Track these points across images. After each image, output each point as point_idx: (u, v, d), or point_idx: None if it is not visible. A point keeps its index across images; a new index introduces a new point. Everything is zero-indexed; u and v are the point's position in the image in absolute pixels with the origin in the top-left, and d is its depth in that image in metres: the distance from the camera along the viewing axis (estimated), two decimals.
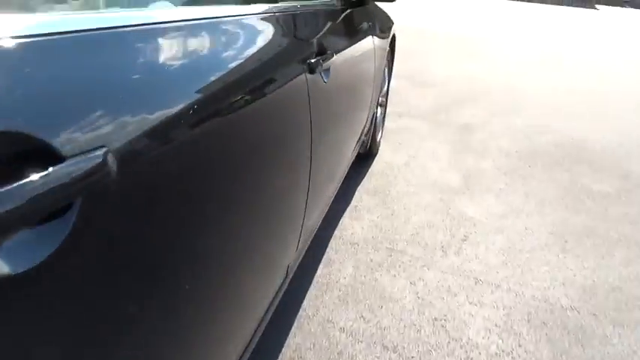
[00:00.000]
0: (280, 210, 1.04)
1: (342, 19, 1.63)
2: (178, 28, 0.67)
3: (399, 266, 1.82)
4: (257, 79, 0.85)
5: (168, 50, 0.63)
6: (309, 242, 1.40)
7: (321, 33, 1.34)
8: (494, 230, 2.14)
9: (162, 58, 0.60)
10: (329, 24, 1.49)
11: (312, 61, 1.08)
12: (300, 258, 1.31)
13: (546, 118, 3.77)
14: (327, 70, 1.23)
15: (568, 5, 14.40)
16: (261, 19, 0.96)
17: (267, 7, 1.00)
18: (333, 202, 1.97)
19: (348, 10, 1.72)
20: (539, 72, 5.44)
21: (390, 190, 2.43)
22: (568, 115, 3.89)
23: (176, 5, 0.85)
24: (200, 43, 0.72)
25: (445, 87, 4.41)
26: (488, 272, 1.83)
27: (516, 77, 5.03)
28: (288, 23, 1.09)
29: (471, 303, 1.64)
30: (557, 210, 2.38)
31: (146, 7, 0.76)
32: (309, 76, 1.06)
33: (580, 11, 13.92)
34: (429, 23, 8.52)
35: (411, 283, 1.73)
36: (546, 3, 13.98)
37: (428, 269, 1.82)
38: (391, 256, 1.88)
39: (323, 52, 1.22)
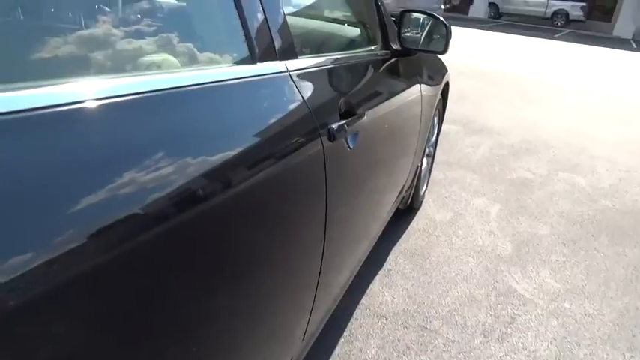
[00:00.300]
0: (282, 299, 0.86)
1: (383, 69, 1.47)
2: (176, 95, 0.60)
3: (431, 350, 1.58)
4: (260, 151, 0.70)
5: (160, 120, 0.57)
6: (321, 327, 1.21)
7: (353, 89, 1.18)
8: (547, 313, 1.85)
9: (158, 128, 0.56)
10: (366, 77, 1.33)
11: (334, 126, 0.92)
12: (308, 348, 1.12)
13: (614, 179, 3.40)
14: (356, 133, 1.06)
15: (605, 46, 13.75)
16: (277, 78, 0.82)
17: (285, 65, 0.85)
18: (363, 263, 1.78)
19: (393, 60, 1.55)
20: (604, 122, 5.03)
21: (430, 252, 2.19)
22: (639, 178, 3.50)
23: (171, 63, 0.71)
24: (195, 112, 0.61)
25: (501, 135, 4.13)
26: None
27: (579, 128, 4.66)
28: (311, 81, 0.94)
29: None
30: (625, 294, 2.05)
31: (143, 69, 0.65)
32: (327, 144, 0.89)
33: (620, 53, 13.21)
34: (472, 59, 8.25)
35: None
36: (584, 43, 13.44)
37: (464, 358, 1.56)
38: (423, 336, 1.64)
39: (352, 113, 1.05)
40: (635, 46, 15.71)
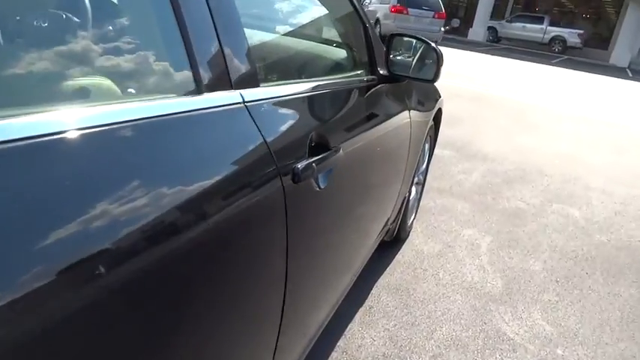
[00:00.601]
0: (237, 347, 0.74)
1: (368, 96, 1.36)
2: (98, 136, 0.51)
3: None
4: (203, 200, 0.59)
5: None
6: None
7: (330, 120, 1.07)
8: None
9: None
10: (347, 105, 1.22)
11: (299, 165, 0.80)
12: None
13: (609, 212, 3.30)
14: (329, 170, 0.95)
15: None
16: (229, 111, 0.70)
17: (241, 94, 0.73)
18: (343, 300, 1.66)
19: (379, 86, 1.45)
20: (600, 151, 4.95)
21: (416, 288, 2.07)
22: (637, 211, 3.40)
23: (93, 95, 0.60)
24: (120, 158, 0.52)
25: (495, 162, 4.03)
26: None
27: (574, 156, 4.57)
28: (274, 112, 0.83)
29: None
30: (621, 340, 1.93)
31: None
32: (289, 186, 0.77)
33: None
34: (469, 82, 8.21)
35: None
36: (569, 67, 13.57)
37: None
38: None
39: (325, 147, 0.94)
40: (631, 75, 15.83)
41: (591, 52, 20.43)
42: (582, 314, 2.07)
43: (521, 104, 7.08)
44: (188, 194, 0.57)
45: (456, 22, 21.49)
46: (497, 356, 1.72)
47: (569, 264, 2.51)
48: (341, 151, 0.99)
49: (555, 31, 20.51)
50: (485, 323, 1.90)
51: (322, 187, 0.92)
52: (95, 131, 0.49)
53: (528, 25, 20.72)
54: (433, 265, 2.27)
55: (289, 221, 0.79)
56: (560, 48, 20.17)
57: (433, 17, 12.70)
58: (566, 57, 19.07)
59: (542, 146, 4.80)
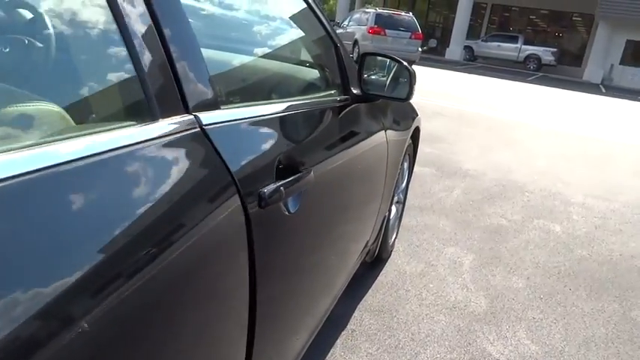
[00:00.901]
0: None
1: (341, 117, 1.33)
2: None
3: None
4: (156, 233, 0.54)
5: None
6: None
7: (300, 141, 1.04)
8: None
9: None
10: (320, 126, 1.19)
11: (266, 190, 0.76)
12: None
13: (590, 227, 3.32)
14: (299, 193, 0.91)
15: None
16: (184, 137, 0.66)
17: (198, 118, 0.70)
18: (324, 323, 1.60)
19: (353, 105, 1.43)
20: (578, 166, 5.02)
21: (399, 309, 2.02)
22: (617, 225, 3.43)
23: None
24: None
25: (476, 179, 4.05)
26: None
27: (553, 171, 4.62)
28: (236, 136, 0.79)
29: None
30: (607, 358, 1.90)
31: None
32: (254, 212, 0.73)
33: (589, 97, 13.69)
34: (447, 100, 8.33)
35: None
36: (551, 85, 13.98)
37: None
38: None
39: (295, 170, 0.90)
40: (604, 91, 16.28)
41: (565, 69, 21.01)
42: (567, 331, 2.05)
43: (499, 121, 7.19)
44: (139, 228, 0.53)
45: (433, 42, 21.94)
46: None
47: (552, 280, 2.49)
48: (312, 173, 0.96)
49: (530, 49, 21.09)
50: (469, 344, 1.86)
51: (292, 210, 0.88)
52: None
53: (503, 44, 21.28)
54: (416, 285, 2.23)
55: (256, 247, 0.75)
56: (535, 66, 20.72)
57: (410, 38, 12.94)
58: (541, 74, 19.57)
59: (521, 162, 4.85)
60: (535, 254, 2.77)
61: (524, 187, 4.01)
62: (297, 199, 0.91)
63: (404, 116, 2.17)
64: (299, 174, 0.90)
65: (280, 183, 0.81)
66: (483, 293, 2.26)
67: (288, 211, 0.86)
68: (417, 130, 2.43)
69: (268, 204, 0.76)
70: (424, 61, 14.56)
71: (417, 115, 2.39)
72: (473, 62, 21.20)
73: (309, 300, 1.21)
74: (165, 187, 0.59)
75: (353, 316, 1.93)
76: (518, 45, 21.10)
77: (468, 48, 21.99)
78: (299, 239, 0.99)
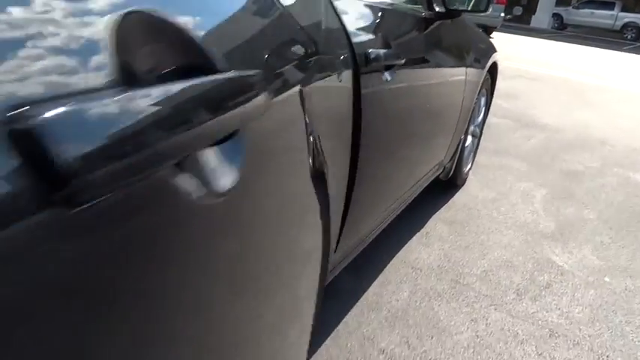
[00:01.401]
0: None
1: (428, 31, 1.55)
2: None
3: (462, 300, 1.63)
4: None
5: None
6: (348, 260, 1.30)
7: (395, 36, 1.28)
8: (585, 284, 1.85)
9: None
10: (411, 32, 1.42)
11: (372, 51, 1.02)
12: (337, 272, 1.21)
13: None
14: (393, 70, 1.16)
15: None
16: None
17: None
18: (401, 225, 1.87)
19: (437, 23, 1.63)
20: None
21: (470, 223, 2.23)
22: None
23: None
24: None
25: (554, 131, 4.05)
26: (568, 326, 1.56)
27: None
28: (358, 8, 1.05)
29: (539, 355, 1.41)
30: None
31: None
32: (364, 68, 0.99)
33: None
34: (530, 64, 8.02)
35: (472, 320, 1.54)
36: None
37: (495, 309, 1.61)
38: (455, 288, 1.70)
39: (389, 48, 1.15)
40: None
41: None
42: (634, 254, 2.15)
43: (585, 85, 6.90)
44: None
45: (518, 10, 20.79)
46: (545, 277, 1.86)
47: (624, 215, 2.56)
48: (403, 60, 1.20)
49: (628, 17, 19.37)
50: (535, 252, 2.04)
51: (389, 79, 1.13)
52: None
53: (597, 11, 19.71)
54: (487, 207, 2.42)
55: (363, 101, 1.00)
56: (633, 35, 19.03)
57: (494, 2, 12.43)
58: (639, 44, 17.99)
59: (605, 121, 4.72)
60: (610, 195, 2.82)
61: (605, 141, 3.96)
62: (391, 73, 1.15)
63: (483, 48, 2.32)
64: (394, 52, 1.15)
65: (382, 51, 1.07)
66: (553, 219, 2.39)
67: (386, 78, 1.12)
68: (495, 66, 2.56)
69: (371, 62, 1.02)
70: (506, 29, 13.96)
71: (495, 51, 2.52)
72: (562, 31, 19.89)
73: (397, 170, 1.46)
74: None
75: (427, 224, 2.16)
76: (615, 12, 19.45)
77: (556, 16, 20.61)
78: (395, 102, 1.24)
